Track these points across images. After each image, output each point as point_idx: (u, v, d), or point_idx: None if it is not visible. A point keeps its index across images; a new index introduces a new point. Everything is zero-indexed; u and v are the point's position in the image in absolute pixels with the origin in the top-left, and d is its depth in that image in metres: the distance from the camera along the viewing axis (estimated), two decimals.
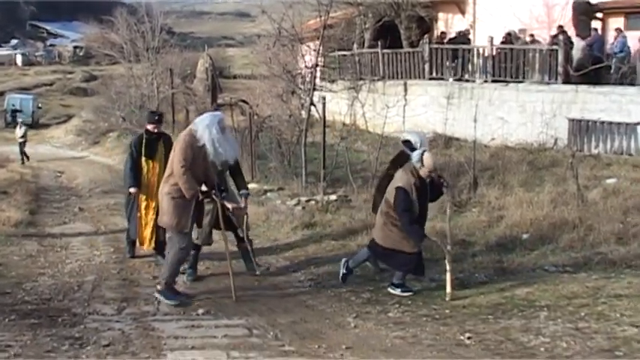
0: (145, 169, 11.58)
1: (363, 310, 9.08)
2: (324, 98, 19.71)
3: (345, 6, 32.34)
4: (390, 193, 9.64)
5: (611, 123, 21.18)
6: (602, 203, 14.48)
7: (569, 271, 10.62)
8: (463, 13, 32.64)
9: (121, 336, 8.15)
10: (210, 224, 10.49)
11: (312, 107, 20.49)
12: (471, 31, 30.74)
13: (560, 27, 25.73)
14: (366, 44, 31.73)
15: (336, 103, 26.97)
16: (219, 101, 34.03)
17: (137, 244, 11.96)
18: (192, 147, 9.21)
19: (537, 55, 24.09)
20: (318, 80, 23.33)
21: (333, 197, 16.39)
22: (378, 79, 28.03)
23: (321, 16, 21.86)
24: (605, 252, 11.37)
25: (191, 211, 9.44)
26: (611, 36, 25.30)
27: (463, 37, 28.77)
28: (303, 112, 21.79)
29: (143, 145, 11.57)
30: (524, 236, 12.51)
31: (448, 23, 33.24)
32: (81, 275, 11.06)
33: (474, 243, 12.49)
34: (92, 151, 38.65)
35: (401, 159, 10.15)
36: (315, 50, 22.05)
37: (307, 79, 22.24)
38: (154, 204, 11.35)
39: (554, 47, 23.45)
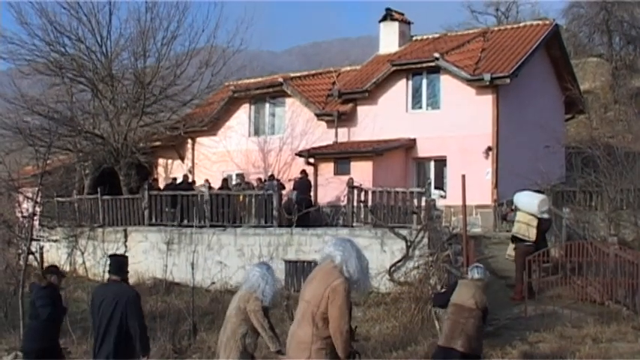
0: None
1: None
2: (41, 248, 19.44)
3: (64, 152, 32.24)
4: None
5: None
6: None
7: None
8: (182, 158, 33.55)
9: None
10: None
11: (31, 256, 20.08)
12: (190, 177, 31.52)
13: (272, 175, 27.47)
14: (86, 191, 31.54)
15: (56, 251, 26.55)
16: None
17: None
18: None
19: (253, 199, 25.17)
20: (37, 228, 22.94)
21: None
22: (98, 226, 27.86)
23: (38, 165, 21.73)
24: None
25: None
26: (322, 180, 27.04)
27: (183, 183, 29.32)
28: (21, 262, 21.26)
29: None
30: None
31: (168, 169, 33.99)
32: None
33: None
34: None
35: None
36: (31, 199, 21.75)
37: (25, 228, 21.81)
38: None
39: (270, 192, 24.58)
